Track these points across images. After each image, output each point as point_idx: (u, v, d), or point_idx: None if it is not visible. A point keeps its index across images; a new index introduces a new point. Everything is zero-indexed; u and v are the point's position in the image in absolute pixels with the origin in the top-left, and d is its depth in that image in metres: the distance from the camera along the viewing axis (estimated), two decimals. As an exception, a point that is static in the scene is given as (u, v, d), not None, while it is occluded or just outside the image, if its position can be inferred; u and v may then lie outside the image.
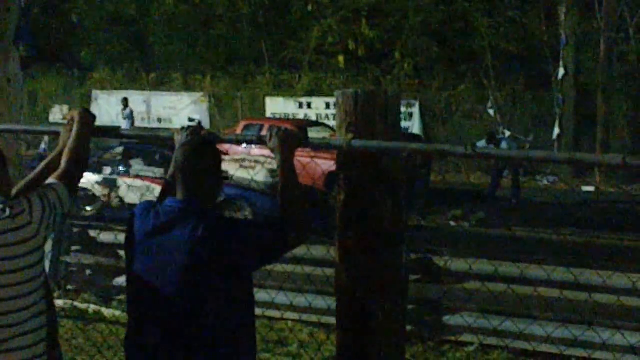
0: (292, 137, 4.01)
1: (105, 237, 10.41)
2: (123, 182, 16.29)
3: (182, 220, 3.74)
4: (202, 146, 3.96)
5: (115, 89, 35.39)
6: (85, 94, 35.46)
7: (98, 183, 16.59)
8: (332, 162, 17.87)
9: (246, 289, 3.88)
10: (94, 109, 31.79)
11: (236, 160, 18.51)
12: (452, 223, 17.85)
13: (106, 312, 9.66)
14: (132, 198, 15.85)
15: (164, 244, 3.74)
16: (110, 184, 16.57)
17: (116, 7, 39.54)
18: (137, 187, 15.81)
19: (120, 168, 17.03)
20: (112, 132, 4.78)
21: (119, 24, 39.67)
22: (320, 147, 4.40)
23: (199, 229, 3.67)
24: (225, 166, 14.56)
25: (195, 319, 3.71)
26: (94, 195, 16.76)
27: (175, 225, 3.75)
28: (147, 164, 16.86)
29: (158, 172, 15.88)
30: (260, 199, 14.94)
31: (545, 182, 26.52)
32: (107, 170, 17.05)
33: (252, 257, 3.79)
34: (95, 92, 34.86)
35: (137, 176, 16.35)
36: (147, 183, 15.78)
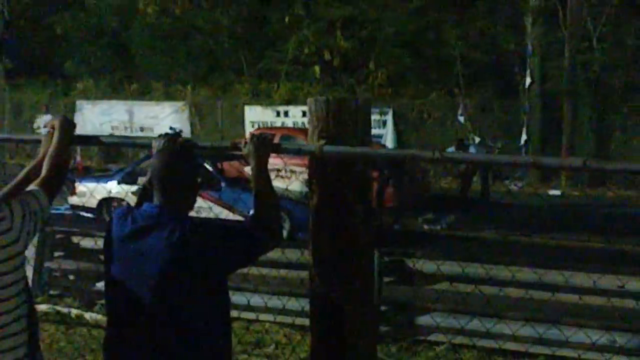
0: (266, 143, 4.00)
1: (87, 243, 10.37)
2: None
3: (158, 225, 3.72)
4: (178, 153, 3.93)
5: (99, 99, 35.27)
6: (69, 104, 35.30)
7: (133, 193, 16.36)
8: None
9: (222, 292, 3.86)
10: (77, 118, 31.90)
11: (272, 171, 18.54)
12: (424, 226, 17.86)
13: (88, 315, 9.60)
14: None
15: (141, 248, 3.71)
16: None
17: (99, 20, 39.51)
18: None
19: None
20: (92, 140, 4.75)
21: (102, 35, 39.61)
22: (293, 152, 4.38)
23: (175, 234, 3.64)
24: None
25: (171, 321, 3.68)
26: (128, 204, 16.38)
27: (152, 230, 3.72)
28: None
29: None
30: (297, 208, 14.84)
31: (513, 186, 26.62)
32: (142, 180, 16.77)
33: (228, 260, 3.77)
34: (80, 102, 34.73)
35: None
36: None
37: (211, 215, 14.64)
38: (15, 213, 3.62)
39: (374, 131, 27.80)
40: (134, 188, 15.92)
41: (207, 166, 15.60)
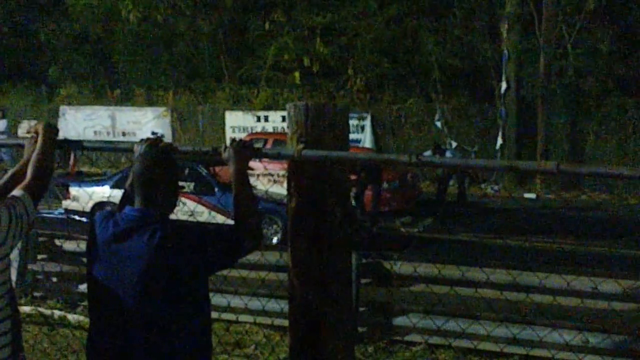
0: (245, 148, 3.99)
1: (70, 245, 10.35)
2: None
3: (139, 228, 3.72)
4: (159, 157, 3.94)
5: (82, 104, 35.18)
6: (53, 110, 35.20)
7: None
8: None
9: (202, 294, 3.86)
10: (61, 124, 31.82)
11: (265, 175, 18.53)
12: (402, 229, 17.90)
13: (71, 317, 9.58)
14: None
15: (123, 251, 3.71)
16: None
17: (82, 27, 39.39)
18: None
19: None
20: (75, 144, 4.74)
21: (85, 42, 39.61)
22: (272, 157, 4.39)
23: (156, 236, 3.64)
24: (258, 181, 14.46)
25: (153, 323, 3.68)
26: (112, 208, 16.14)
27: (134, 233, 3.72)
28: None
29: (187, 187, 15.55)
30: None
31: (489, 190, 26.71)
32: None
33: (208, 262, 3.77)
34: (63, 108, 34.58)
35: None
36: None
37: (205, 219, 14.63)
38: (1, 217, 3.62)
39: (352, 136, 27.83)
40: None
41: (201, 171, 15.57)
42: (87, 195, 15.79)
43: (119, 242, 3.74)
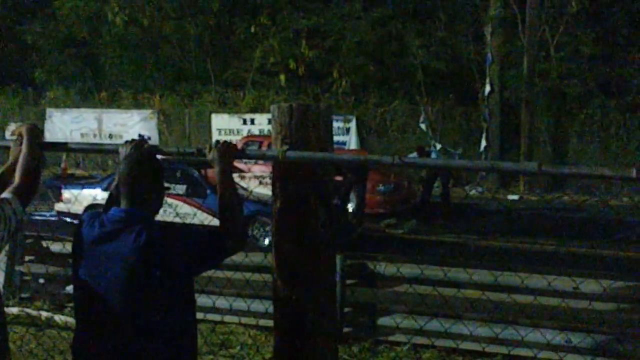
0: (230, 149, 4.01)
1: (57, 247, 10.35)
2: None
3: (125, 229, 3.74)
4: (144, 158, 3.97)
5: (69, 107, 35.08)
6: (39, 112, 35.08)
7: None
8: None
9: (187, 294, 3.88)
10: (48, 126, 31.75)
11: (257, 177, 18.47)
12: (386, 230, 17.92)
13: (57, 318, 9.57)
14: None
15: (109, 251, 3.73)
16: None
17: (69, 30, 39.31)
18: (168, 204, 15.18)
19: None
20: (60, 146, 4.75)
21: (72, 45, 39.46)
22: (256, 157, 4.42)
23: (142, 237, 3.66)
24: (246, 183, 14.44)
25: (139, 323, 3.70)
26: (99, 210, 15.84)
27: (120, 233, 3.74)
28: (167, 181, 16.26)
29: (180, 189, 15.44)
30: None
31: (473, 191, 26.78)
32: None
33: (193, 263, 3.79)
34: (50, 110, 34.44)
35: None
36: (170, 200, 15.26)
37: (196, 222, 14.57)
38: (-10, 219, 3.63)
39: (338, 138, 27.89)
40: None
41: (194, 173, 15.51)
42: (80, 198, 15.73)
43: (105, 242, 3.76)
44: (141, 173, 3.88)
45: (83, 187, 16.69)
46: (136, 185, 3.85)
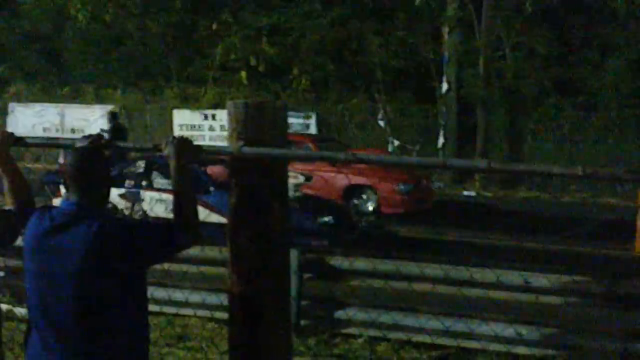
0: (186, 144, 4.01)
1: (18, 240, 10.28)
2: (148, 195, 15.52)
3: (76, 221, 3.75)
4: (91, 151, 3.97)
5: (31, 101, 34.79)
6: (2, 107, 34.75)
7: (120, 196, 15.54)
8: (348, 177, 17.79)
9: (139, 286, 3.90)
10: (10, 120, 31.48)
11: None
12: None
13: (17, 311, 9.52)
14: (157, 211, 14.92)
15: (59, 245, 3.73)
16: (133, 197, 15.69)
17: (32, 25, 38.98)
18: (164, 200, 15.00)
19: (143, 182, 15.92)
20: (19, 141, 4.73)
21: (35, 40, 39.10)
22: (211, 153, 4.43)
23: (92, 229, 3.68)
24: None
25: (89, 316, 3.71)
26: (115, 207, 15.45)
27: (70, 226, 3.75)
28: (166, 177, 15.82)
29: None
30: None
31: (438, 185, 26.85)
32: (129, 183, 15.94)
33: (144, 256, 3.81)
34: (12, 105, 34.15)
35: (157, 189, 15.58)
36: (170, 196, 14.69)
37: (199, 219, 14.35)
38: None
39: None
40: (122, 191, 15.50)
41: (197, 169, 15.26)
42: None
43: (56, 236, 3.77)
44: (86, 166, 3.92)
45: None
46: (83, 177, 3.89)
